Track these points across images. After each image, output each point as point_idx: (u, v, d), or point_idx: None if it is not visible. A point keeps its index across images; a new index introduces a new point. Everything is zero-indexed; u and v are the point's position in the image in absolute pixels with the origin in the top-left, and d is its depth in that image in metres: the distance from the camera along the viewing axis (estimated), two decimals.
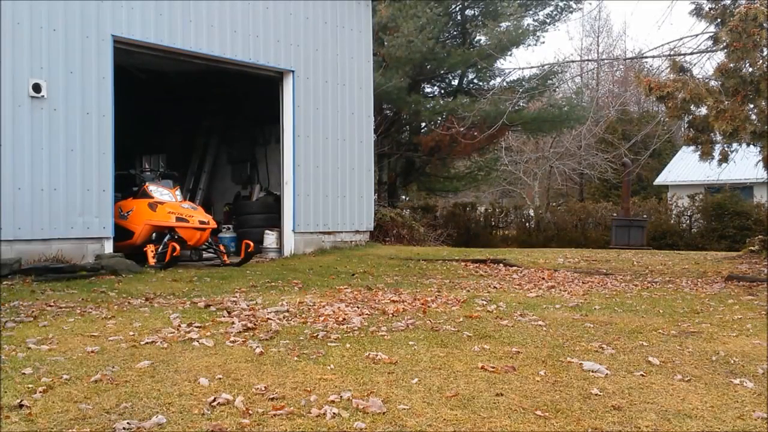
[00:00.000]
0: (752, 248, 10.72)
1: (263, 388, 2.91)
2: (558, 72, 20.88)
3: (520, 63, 50.32)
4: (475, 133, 16.19)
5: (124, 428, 2.43)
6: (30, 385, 2.91)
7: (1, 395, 2.77)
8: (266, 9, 10.13)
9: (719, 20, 7.85)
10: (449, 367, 3.32)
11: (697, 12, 8.26)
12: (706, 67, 18.21)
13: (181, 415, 2.59)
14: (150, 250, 8.29)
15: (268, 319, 4.48)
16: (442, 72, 21.13)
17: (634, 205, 19.11)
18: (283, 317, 4.59)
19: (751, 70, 7.39)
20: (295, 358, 3.44)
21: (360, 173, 11.60)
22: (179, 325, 4.26)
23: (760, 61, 7.31)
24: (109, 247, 8.33)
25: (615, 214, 17.83)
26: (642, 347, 3.82)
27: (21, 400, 2.68)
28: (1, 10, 7.51)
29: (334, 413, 2.59)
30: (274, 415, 2.59)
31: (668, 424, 2.60)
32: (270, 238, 10.58)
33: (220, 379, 3.06)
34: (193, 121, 13.70)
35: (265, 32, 10.13)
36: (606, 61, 29.45)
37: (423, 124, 22.28)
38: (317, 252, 10.61)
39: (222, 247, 9.53)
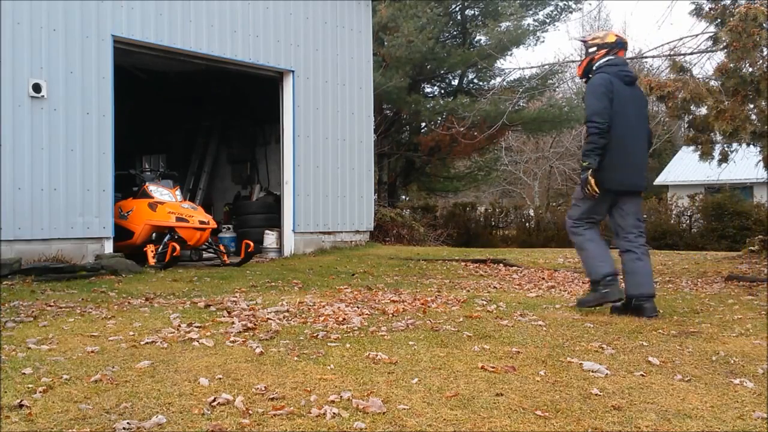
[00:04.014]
0: (752, 248, 10.71)
1: (263, 388, 2.91)
2: (558, 72, 20.89)
3: (520, 63, 50.34)
4: (475, 133, 16.20)
5: (124, 428, 2.43)
6: (30, 385, 2.91)
7: (1, 395, 2.76)
8: (266, 9, 10.13)
9: (719, 20, 7.85)
10: (449, 367, 3.32)
11: (697, 12, 8.26)
12: (706, 67, 18.23)
13: (181, 415, 2.59)
14: (150, 250, 8.29)
15: (268, 319, 4.48)
16: (442, 72, 21.14)
17: None
18: (283, 317, 4.59)
19: (751, 70, 7.39)
20: (295, 358, 3.43)
21: (360, 173, 11.60)
22: (179, 325, 4.25)
23: (760, 61, 7.30)
24: (109, 247, 8.33)
25: None
26: (642, 347, 3.82)
27: (21, 400, 2.68)
28: (1, 10, 7.51)
29: (334, 413, 2.59)
30: (274, 415, 2.58)
31: (668, 424, 2.60)
32: (270, 238, 10.59)
33: (220, 379, 3.06)
34: (193, 120, 13.71)
35: (265, 32, 10.13)
36: None
37: (423, 124, 22.28)
38: (317, 252, 10.61)
39: (222, 247, 9.53)
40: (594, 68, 4.91)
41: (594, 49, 4.94)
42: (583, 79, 5.10)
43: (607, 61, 4.87)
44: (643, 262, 4.79)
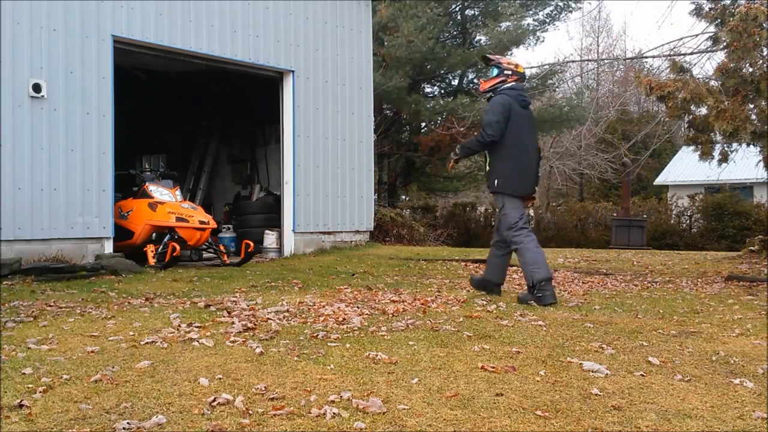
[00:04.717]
0: (752, 248, 10.72)
1: (263, 388, 2.91)
2: (558, 72, 20.88)
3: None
4: (475, 133, 16.18)
5: (124, 428, 2.43)
6: (30, 385, 2.91)
7: (1, 395, 2.76)
8: (266, 9, 10.13)
9: (719, 20, 7.85)
10: (449, 367, 3.32)
11: (697, 12, 8.27)
12: (706, 67, 18.23)
13: (181, 415, 2.59)
14: (150, 250, 8.28)
15: (268, 319, 4.48)
16: (442, 72, 21.13)
17: (634, 205, 19.12)
18: (283, 317, 4.59)
19: (751, 70, 7.39)
20: (295, 358, 3.43)
21: (360, 173, 11.60)
22: (179, 325, 4.25)
23: (760, 61, 7.31)
24: (109, 247, 8.33)
25: (615, 214, 17.83)
26: (642, 347, 3.82)
27: (21, 400, 2.68)
28: (1, 10, 7.51)
29: (334, 413, 2.59)
30: (274, 415, 2.59)
31: (668, 424, 2.60)
32: (270, 238, 10.58)
33: (220, 379, 3.06)
34: (192, 120, 13.71)
35: (265, 32, 10.13)
36: (606, 61, 29.44)
37: (423, 124, 22.27)
38: (317, 252, 10.61)
39: (222, 247, 9.53)
40: (498, 89, 5.66)
41: (509, 72, 5.69)
42: (486, 94, 5.86)
43: (512, 85, 5.64)
44: (537, 248, 5.49)
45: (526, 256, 5.37)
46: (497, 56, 5.95)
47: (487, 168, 5.65)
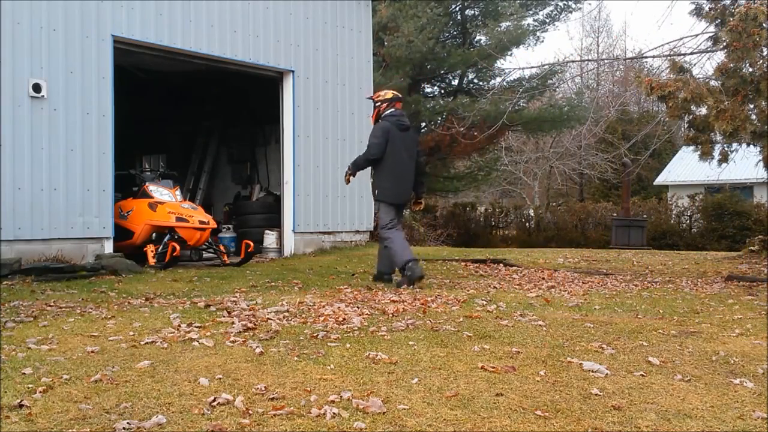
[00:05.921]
0: (752, 248, 10.72)
1: (263, 388, 2.91)
2: (558, 72, 20.88)
3: (520, 63, 50.41)
4: (475, 133, 16.19)
5: (124, 428, 2.43)
6: (30, 385, 2.91)
7: (1, 395, 2.77)
8: (266, 9, 10.13)
9: (719, 20, 7.85)
10: (449, 367, 3.32)
11: (697, 12, 8.26)
12: (706, 67, 18.21)
13: (181, 415, 2.59)
14: (150, 250, 8.28)
15: (268, 319, 4.48)
16: (442, 72, 21.12)
17: (634, 205, 19.11)
18: (283, 317, 4.59)
19: (751, 70, 7.39)
20: (295, 358, 3.43)
21: (360, 173, 11.58)
22: (179, 325, 4.25)
23: (760, 61, 7.31)
24: (109, 247, 8.33)
25: (615, 214, 17.83)
26: (642, 347, 3.82)
27: (21, 400, 2.68)
28: (1, 10, 7.51)
29: (334, 413, 2.59)
30: (274, 415, 2.59)
31: (668, 424, 2.60)
32: (270, 238, 10.58)
33: (220, 379, 3.06)
34: (193, 121, 13.70)
35: (265, 32, 10.13)
36: (606, 61, 29.45)
37: (423, 124, 22.26)
38: (317, 252, 10.61)
39: (222, 247, 9.52)
40: (381, 117, 6.80)
41: (379, 103, 6.84)
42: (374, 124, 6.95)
43: (390, 112, 6.79)
44: (402, 239, 6.67)
45: (394, 245, 6.50)
46: (372, 95, 7.17)
47: (371, 180, 6.59)
